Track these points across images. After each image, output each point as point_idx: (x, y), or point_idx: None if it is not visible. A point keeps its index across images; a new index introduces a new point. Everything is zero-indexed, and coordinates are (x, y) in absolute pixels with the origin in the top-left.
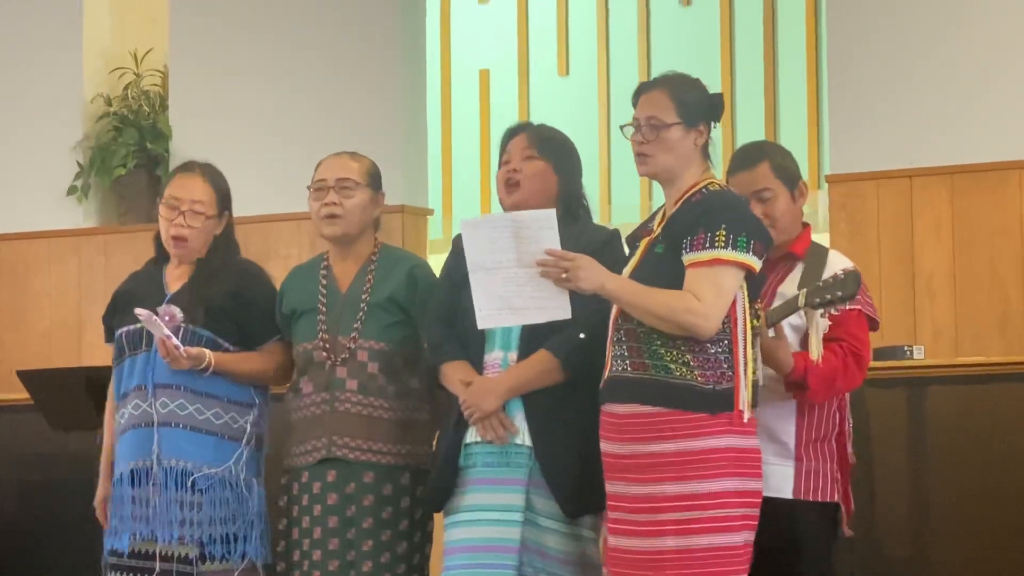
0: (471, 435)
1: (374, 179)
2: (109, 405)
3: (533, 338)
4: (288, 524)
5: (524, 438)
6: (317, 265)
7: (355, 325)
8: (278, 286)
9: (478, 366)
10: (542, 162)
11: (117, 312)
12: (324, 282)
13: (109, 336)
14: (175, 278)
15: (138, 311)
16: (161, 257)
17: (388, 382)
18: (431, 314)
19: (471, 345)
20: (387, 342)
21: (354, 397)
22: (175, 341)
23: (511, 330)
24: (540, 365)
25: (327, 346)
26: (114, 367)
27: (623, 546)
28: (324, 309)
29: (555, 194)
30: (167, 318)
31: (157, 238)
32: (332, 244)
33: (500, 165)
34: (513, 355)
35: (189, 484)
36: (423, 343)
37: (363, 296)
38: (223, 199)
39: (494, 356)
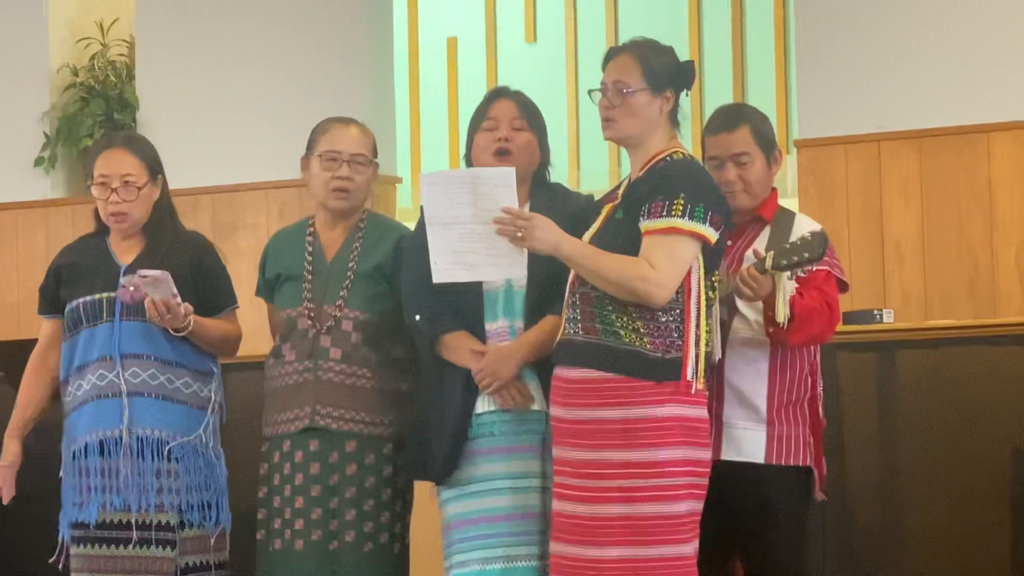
0: (482, 404)
1: (375, 152)
2: (30, 378)
3: (538, 305)
4: (268, 493)
5: (541, 404)
6: (303, 230)
7: (341, 294)
8: (249, 255)
9: (479, 335)
10: (530, 134)
11: (64, 285)
12: (310, 248)
13: (46, 308)
14: (124, 250)
15: (134, 277)
16: (102, 230)
17: (372, 352)
18: (415, 285)
19: (468, 315)
20: (372, 312)
21: (337, 366)
22: (179, 299)
23: (514, 298)
24: (554, 331)
25: (311, 314)
26: (65, 339)
27: (566, 511)
28: (309, 276)
29: (536, 167)
30: (132, 288)
31: (96, 212)
32: (323, 212)
33: (477, 127)
34: (519, 323)
35: (165, 453)
36: (406, 314)
37: (350, 265)
38: (152, 165)
39: (499, 325)
